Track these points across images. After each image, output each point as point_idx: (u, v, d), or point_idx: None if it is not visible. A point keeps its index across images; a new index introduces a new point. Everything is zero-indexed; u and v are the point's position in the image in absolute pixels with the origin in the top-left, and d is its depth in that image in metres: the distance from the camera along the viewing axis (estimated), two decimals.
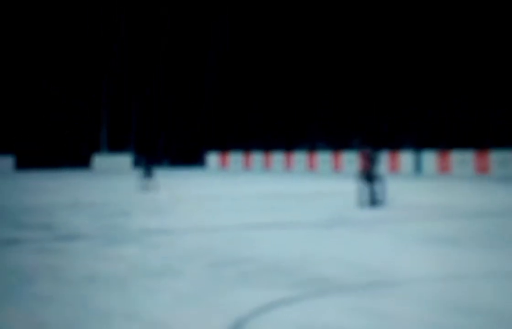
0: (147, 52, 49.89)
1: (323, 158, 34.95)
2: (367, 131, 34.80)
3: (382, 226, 11.32)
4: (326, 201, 16.77)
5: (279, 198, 17.70)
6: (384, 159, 27.54)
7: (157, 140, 45.19)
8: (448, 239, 9.60)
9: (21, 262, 8.24)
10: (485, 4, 37.16)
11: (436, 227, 11.13)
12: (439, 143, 29.87)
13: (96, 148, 42.44)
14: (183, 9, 50.12)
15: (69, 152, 40.91)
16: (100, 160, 41.37)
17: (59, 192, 20.91)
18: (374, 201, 14.02)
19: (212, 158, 42.63)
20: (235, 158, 40.44)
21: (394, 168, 30.92)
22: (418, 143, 30.54)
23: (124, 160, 42.06)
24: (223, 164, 41.29)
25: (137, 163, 39.62)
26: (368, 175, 14.10)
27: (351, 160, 33.07)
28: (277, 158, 37.47)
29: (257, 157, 38.84)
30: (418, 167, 29.69)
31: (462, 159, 28.09)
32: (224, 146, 42.30)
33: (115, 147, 43.38)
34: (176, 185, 24.71)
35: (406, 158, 30.49)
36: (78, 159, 40.77)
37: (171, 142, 45.23)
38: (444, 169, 28.70)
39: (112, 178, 30.35)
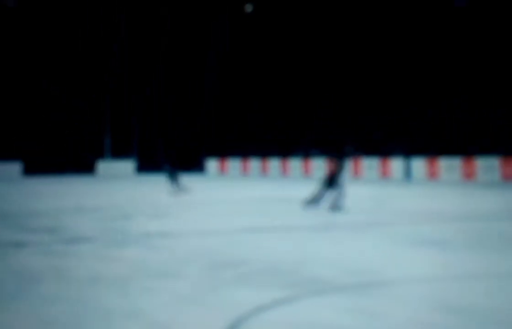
0: (147, 52, 49.58)
1: (318, 164, 34.97)
2: (359, 138, 34.86)
3: (374, 230, 11.33)
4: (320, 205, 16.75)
5: (276, 202, 17.70)
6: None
7: (159, 147, 45.14)
8: (437, 242, 9.61)
9: (28, 264, 8.22)
10: (458, 19, 37.33)
11: (426, 230, 11.15)
12: (428, 151, 29.93)
13: (100, 154, 42.41)
14: (183, 9, 49.52)
15: (74, 158, 40.87)
16: (104, 166, 41.33)
17: (64, 197, 20.87)
18: (335, 207, 13.94)
19: (212, 164, 42.62)
20: (234, 164, 40.43)
21: (385, 174, 30.97)
22: (408, 150, 30.60)
23: (127, 166, 42.03)
24: (222, 169, 41.27)
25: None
26: (331, 181, 14.02)
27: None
28: (274, 164, 37.48)
29: (254, 163, 38.83)
30: (408, 173, 29.73)
31: (449, 166, 28.14)
32: (223, 152, 42.30)
33: (118, 153, 43.34)
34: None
35: (396, 164, 30.54)
36: (83, 165, 40.73)
37: (172, 149, 45.21)
38: (432, 175, 28.75)
39: (115, 183, 30.32)
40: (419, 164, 29.43)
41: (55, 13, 46.79)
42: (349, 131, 36.30)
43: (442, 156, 28.74)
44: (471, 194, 20.11)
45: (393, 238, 10.02)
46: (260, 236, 10.64)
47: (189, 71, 50.08)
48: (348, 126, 36.90)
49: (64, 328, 5.20)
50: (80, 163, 40.74)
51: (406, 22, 42.02)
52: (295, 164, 36.33)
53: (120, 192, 23.40)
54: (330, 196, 14.00)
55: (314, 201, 14.19)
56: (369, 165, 31.87)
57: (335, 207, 13.92)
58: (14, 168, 37.86)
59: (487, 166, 26.56)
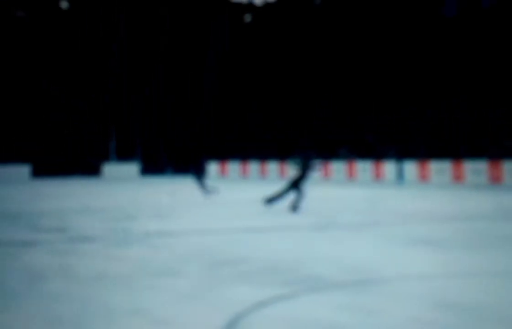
0: (146, 52, 49.35)
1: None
2: (354, 141, 34.87)
3: (369, 229, 11.29)
4: (317, 206, 16.73)
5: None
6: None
7: (161, 150, 45.12)
8: (429, 241, 9.57)
9: (36, 262, 8.18)
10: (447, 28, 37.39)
11: (419, 230, 11.11)
12: (419, 154, 29.93)
13: (105, 157, 42.34)
14: (182, 9, 48.99)
15: (80, 161, 40.81)
16: (109, 169, 41.26)
17: (71, 198, 20.81)
18: (294, 207, 14.28)
19: (212, 167, 42.54)
20: (233, 167, 40.36)
21: (378, 176, 30.94)
22: (400, 154, 30.59)
23: (131, 169, 41.97)
24: (222, 172, 41.20)
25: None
26: (296, 184, 14.39)
27: (339, 168, 33.11)
28: (272, 167, 37.43)
29: (253, 166, 38.78)
30: (400, 176, 29.70)
31: (440, 169, 28.13)
32: (223, 155, 42.24)
33: (123, 156, 43.29)
34: (181, 191, 24.64)
35: (389, 167, 30.51)
36: (89, 168, 40.66)
37: (173, 152, 45.13)
38: (423, 177, 28.73)
39: (120, 185, 30.27)
40: (411, 167, 29.41)
41: (57, 17, 46.79)
42: (344, 134, 36.31)
43: (433, 160, 28.74)
44: (461, 195, 20.09)
45: (388, 238, 9.97)
46: (259, 236, 10.59)
47: (188, 71, 49.81)
48: (343, 130, 36.91)
49: (70, 324, 5.15)
50: (86, 166, 40.67)
51: (396, 30, 42.08)
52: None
53: (124, 194, 23.35)
54: (290, 196, 14.43)
55: (273, 199, 14.62)
56: (363, 167, 31.85)
57: (294, 207, 14.30)
58: (24, 170, 37.79)
59: (475, 169, 26.56)
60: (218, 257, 8.32)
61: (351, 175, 32.34)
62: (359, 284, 6.49)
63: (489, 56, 33.75)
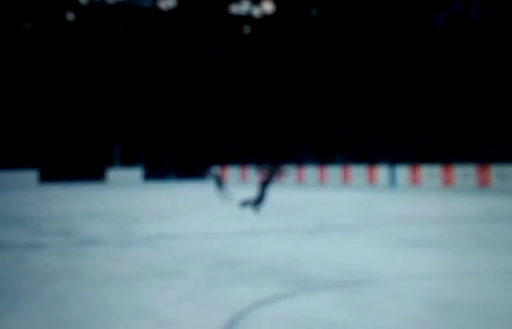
0: (146, 53, 49.22)
1: (310, 172, 34.97)
2: (348, 148, 34.90)
3: (363, 232, 11.29)
4: (314, 209, 16.73)
5: (272, 207, 17.63)
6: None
7: (163, 156, 45.09)
8: (422, 243, 9.57)
9: (43, 264, 8.16)
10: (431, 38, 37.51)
11: (411, 232, 11.10)
12: (411, 159, 29.96)
13: (109, 163, 42.30)
14: (183, 9, 48.66)
15: (86, 166, 40.78)
16: (114, 174, 41.22)
17: (77, 202, 20.78)
18: (245, 204, 14.89)
19: (211, 172, 42.50)
20: (233, 172, 40.34)
21: (372, 180, 30.96)
22: (393, 159, 30.63)
23: (135, 174, 41.94)
24: (223, 177, 41.16)
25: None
26: (263, 186, 14.82)
27: (335, 173, 33.11)
28: (291, 172, 37.36)
29: (252, 171, 38.75)
30: (393, 180, 29.73)
31: (430, 173, 28.15)
32: (223, 161, 42.23)
33: (127, 162, 43.26)
34: (183, 195, 24.62)
35: (382, 172, 30.54)
36: (94, 173, 40.62)
37: (175, 158, 45.11)
38: (415, 181, 28.75)
39: (124, 190, 30.23)
40: (403, 172, 29.44)
41: (63, 28, 46.84)
42: (340, 141, 36.35)
43: (424, 164, 28.77)
44: (450, 199, 20.10)
45: (382, 240, 9.97)
46: (258, 238, 10.58)
47: (189, 72, 49.63)
48: (339, 137, 36.96)
49: (77, 324, 5.13)
50: (92, 171, 40.64)
51: (387, 40, 42.18)
52: (289, 171, 36.30)
53: (128, 198, 23.32)
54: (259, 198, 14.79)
55: (251, 202, 14.90)
56: (357, 172, 31.87)
57: (246, 205, 14.84)
58: (31, 176, 37.75)
59: (464, 173, 26.59)
60: (219, 258, 8.31)
61: (346, 179, 32.35)
62: (355, 284, 6.49)
63: (477, 66, 33.85)
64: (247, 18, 50.58)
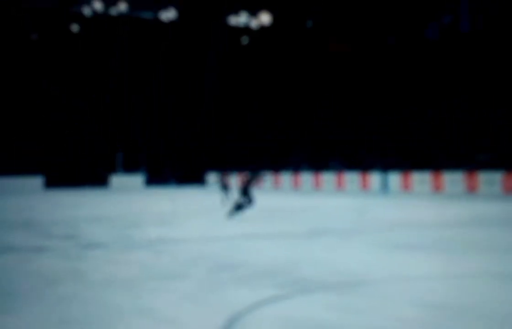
0: (147, 54, 49.10)
1: (306, 178, 34.99)
2: (342, 155, 34.94)
3: (356, 236, 11.28)
4: (310, 214, 16.74)
5: (269, 212, 17.64)
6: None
7: (164, 163, 45.05)
8: (412, 246, 9.58)
9: (48, 266, 8.13)
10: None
11: (403, 236, 11.11)
12: (403, 166, 30.02)
13: (112, 169, 42.25)
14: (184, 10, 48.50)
15: (89, 172, 40.73)
16: (116, 180, 41.17)
17: (81, 207, 20.74)
18: (238, 207, 14.99)
19: (212, 178, 42.50)
20: (231, 178, 40.30)
21: (365, 186, 30.98)
22: (385, 166, 30.67)
23: (137, 180, 41.90)
24: (228, 182, 41.06)
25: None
26: (245, 190, 14.97)
27: (329, 179, 33.13)
28: (267, 178, 37.41)
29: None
30: (385, 186, 29.76)
31: (421, 179, 28.20)
32: (223, 167, 42.21)
33: (129, 168, 43.22)
34: (183, 200, 24.59)
35: (375, 178, 30.57)
36: (97, 179, 40.56)
37: (176, 163, 45.07)
38: (406, 187, 28.79)
39: (126, 195, 30.19)
40: (395, 178, 29.48)
41: (68, 39, 46.87)
42: (334, 148, 36.39)
43: (415, 171, 28.82)
44: (440, 204, 20.14)
45: (375, 243, 9.97)
46: (256, 242, 10.56)
47: (189, 72, 49.53)
48: (333, 145, 37.02)
49: (80, 324, 5.11)
50: (95, 177, 40.58)
51: (379, 50, 42.34)
52: (286, 178, 36.38)
53: (130, 203, 23.28)
54: (245, 201, 14.94)
55: (236, 208, 14.97)
56: (351, 178, 31.89)
57: (238, 207, 14.94)
58: (37, 181, 37.67)
59: (453, 179, 26.65)
60: (219, 261, 8.30)
61: (340, 185, 32.37)
62: (349, 286, 6.48)
63: (465, 76, 33.98)
64: (245, 29, 50.71)
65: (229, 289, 6.38)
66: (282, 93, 46.73)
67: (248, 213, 16.12)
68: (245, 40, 51.69)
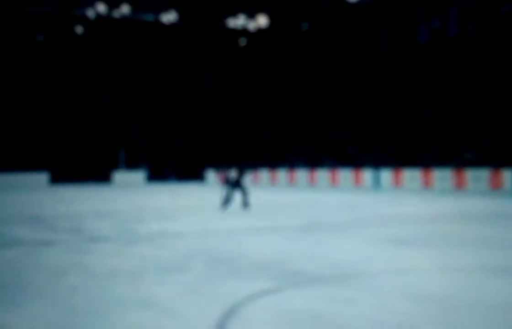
0: (147, 54, 48.85)
1: (301, 174, 35.02)
2: (336, 152, 34.98)
3: (350, 230, 11.33)
4: (305, 209, 16.78)
5: (266, 207, 17.68)
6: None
7: (165, 160, 44.99)
8: (403, 240, 9.63)
9: (55, 260, 8.16)
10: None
11: (393, 230, 11.16)
12: (394, 163, 30.08)
13: (115, 166, 42.20)
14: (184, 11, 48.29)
15: (93, 169, 40.68)
16: (119, 176, 41.13)
17: (85, 202, 20.74)
18: (245, 205, 15.77)
19: (211, 174, 42.50)
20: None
21: (358, 183, 31.04)
22: (377, 163, 30.73)
23: (139, 176, 41.86)
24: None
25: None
26: (235, 185, 15.74)
27: (323, 176, 33.18)
28: (264, 174, 37.46)
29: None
30: (377, 182, 29.82)
31: (412, 176, 28.26)
32: (221, 164, 42.20)
33: (131, 165, 43.18)
34: (182, 196, 24.60)
35: (367, 174, 30.63)
36: (101, 175, 40.51)
37: (176, 160, 45.02)
38: (398, 184, 28.85)
39: (129, 191, 30.18)
40: (386, 175, 29.53)
41: (73, 41, 46.73)
42: (328, 147, 36.43)
43: (406, 168, 28.89)
44: (430, 200, 20.20)
45: (367, 238, 10.02)
46: (253, 236, 10.61)
47: (189, 72, 49.37)
48: (327, 143, 37.05)
49: (86, 316, 5.15)
50: (99, 173, 40.53)
51: (372, 53, 42.36)
52: (282, 174, 36.41)
53: (132, 199, 23.29)
54: (237, 196, 15.62)
55: (226, 202, 15.79)
56: (344, 175, 31.95)
57: (245, 205, 15.73)
58: (43, 177, 37.62)
59: (442, 176, 26.72)
60: (217, 255, 8.34)
61: (334, 181, 32.42)
62: (341, 278, 6.53)
63: (454, 78, 34.05)
64: (243, 31, 50.63)
65: (227, 281, 6.43)
66: (281, 93, 46.70)
67: (243, 208, 16.15)
68: (243, 41, 51.63)
